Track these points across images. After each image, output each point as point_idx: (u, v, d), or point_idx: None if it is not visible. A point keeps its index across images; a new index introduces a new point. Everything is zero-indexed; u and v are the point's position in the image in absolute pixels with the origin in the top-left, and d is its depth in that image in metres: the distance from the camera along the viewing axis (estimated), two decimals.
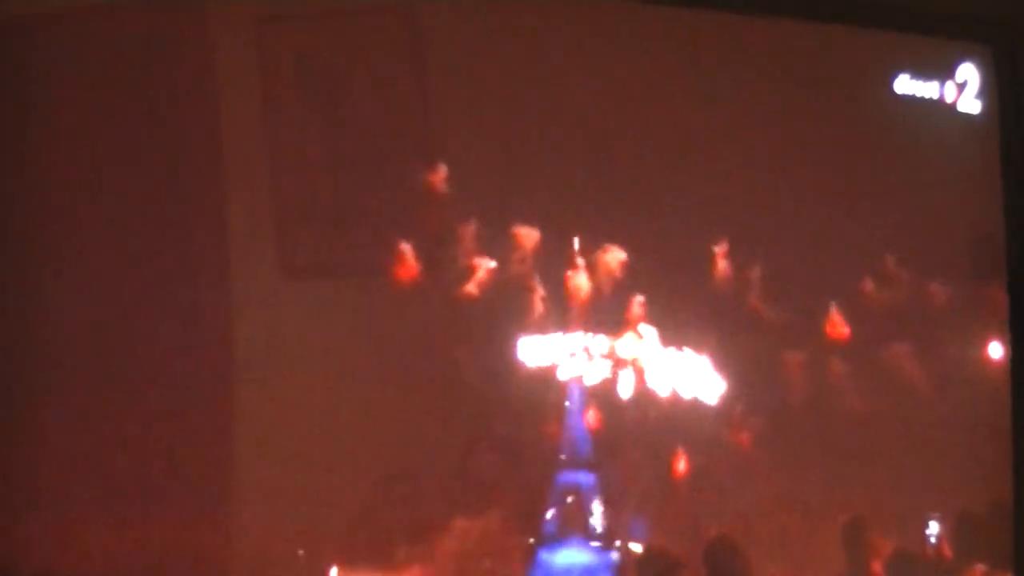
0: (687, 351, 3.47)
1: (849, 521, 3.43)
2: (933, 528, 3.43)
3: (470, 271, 3.44)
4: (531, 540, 3.40)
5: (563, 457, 3.44)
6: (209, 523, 3.34)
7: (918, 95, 3.52)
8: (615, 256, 3.47)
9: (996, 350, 3.43)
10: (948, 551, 3.42)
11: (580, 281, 3.47)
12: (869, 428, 3.44)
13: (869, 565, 3.40)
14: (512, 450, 3.45)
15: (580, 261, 3.48)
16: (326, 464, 3.37)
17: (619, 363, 3.46)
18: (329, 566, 3.37)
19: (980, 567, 3.35)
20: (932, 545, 3.42)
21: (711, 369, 3.47)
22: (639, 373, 3.47)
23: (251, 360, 3.38)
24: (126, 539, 3.29)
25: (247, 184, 3.41)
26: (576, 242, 3.47)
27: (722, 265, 3.52)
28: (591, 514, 3.42)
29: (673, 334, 3.47)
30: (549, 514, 3.43)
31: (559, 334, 3.46)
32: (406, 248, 3.43)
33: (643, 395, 3.47)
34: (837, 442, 3.45)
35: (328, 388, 3.39)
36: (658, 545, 3.43)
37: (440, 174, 3.41)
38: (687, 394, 3.47)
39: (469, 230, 3.42)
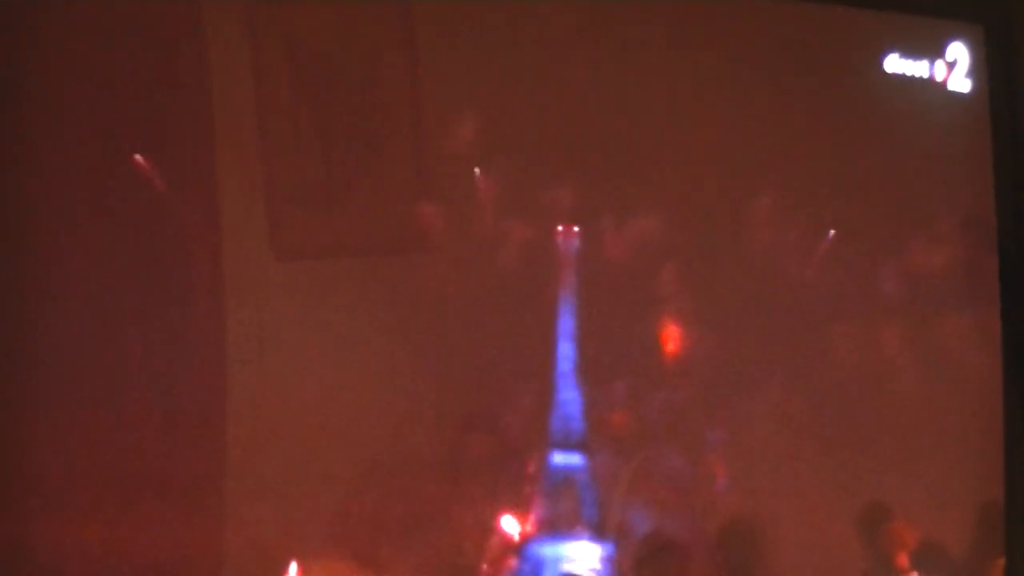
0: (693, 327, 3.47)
1: (871, 510, 3.44)
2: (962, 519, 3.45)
3: (466, 252, 3.42)
4: (522, 529, 3.40)
5: (556, 438, 3.43)
6: (200, 511, 3.32)
7: (908, 74, 3.52)
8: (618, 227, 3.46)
9: (987, 331, 3.46)
10: (977, 543, 3.44)
11: (583, 248, 3.45)
12: (879, 413, 3.47)
13: (894, 557, 3.42)
14: (508, 434, 3.44)
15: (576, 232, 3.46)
16: (317, 451, 3.36)
17: (630, 334, 3.44)
18: (320, 556, 3.36)
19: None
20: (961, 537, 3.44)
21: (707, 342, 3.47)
22: (654, 345, 3.46)
23: (243, 343, 3.35)
24: (111, 529, 3.26)
25: (238, 166, 3.37)
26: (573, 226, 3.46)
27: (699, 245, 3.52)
28: (586, 501, 3.42)
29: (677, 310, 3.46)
30: (541, 501, 3.42)
31: (558, 310, 3.45)
32: (400, 230, 3.40)
33: (659, 370, 3.46)
34: (859, 427, 3.46)
35: (321, 373, 3.37)
36: (653, 528, 3.43)
37: (434, 155, 3.39)
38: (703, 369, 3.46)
39: (464, 211, 3.40)
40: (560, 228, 3.42)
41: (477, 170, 3.39)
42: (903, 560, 3.41)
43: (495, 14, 3.39)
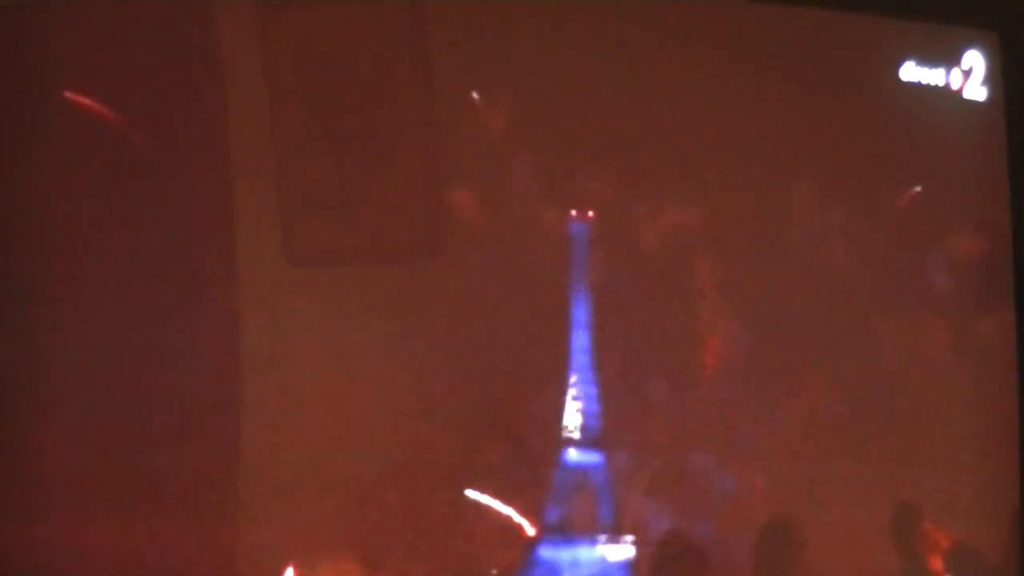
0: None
1: (904, 512, 3.42)
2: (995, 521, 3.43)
3: (481, 256, 3.42)
4: (535, 533, 3.37)
5: (569, 435, 3.40)
6: (212, 515, 3.30)
7: (924, 82, 3.54)
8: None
9: (1005, 334, 3.47)
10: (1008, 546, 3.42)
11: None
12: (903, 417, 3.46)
13: (927, 559, 3.39)
14: (527, 436, 3.42)
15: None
16: (330, 456, 3.34)
17: (654, 331, 3.43)
18: (333, 561, 3.34)
19: None
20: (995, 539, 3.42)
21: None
22: (680, 343, 3.45)
23: (256, 349, 3.34)
24: (123, 534, 3.24)
25: (250, 171, 3.36)
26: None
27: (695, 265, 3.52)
28: (605, 503, 3.39)
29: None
30: (554, 503, 3.40)
31: (578, 310, 3.44)
32: (414, 235, 3.40)
33: (684, 368, 3.45)
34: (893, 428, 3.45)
35: (334, 377, 3.35)
36: (673, 530, 3.41)
37: (446, 158, 3.38)
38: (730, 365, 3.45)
39: (477, 212, 3.39)
40: (575, 216, 3.42)
41: (490, 172, 3.39)
42: (936, 563, 3.40)
43: (511, 14, 3.40)
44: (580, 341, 3.41)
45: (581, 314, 3.42)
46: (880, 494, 3.45)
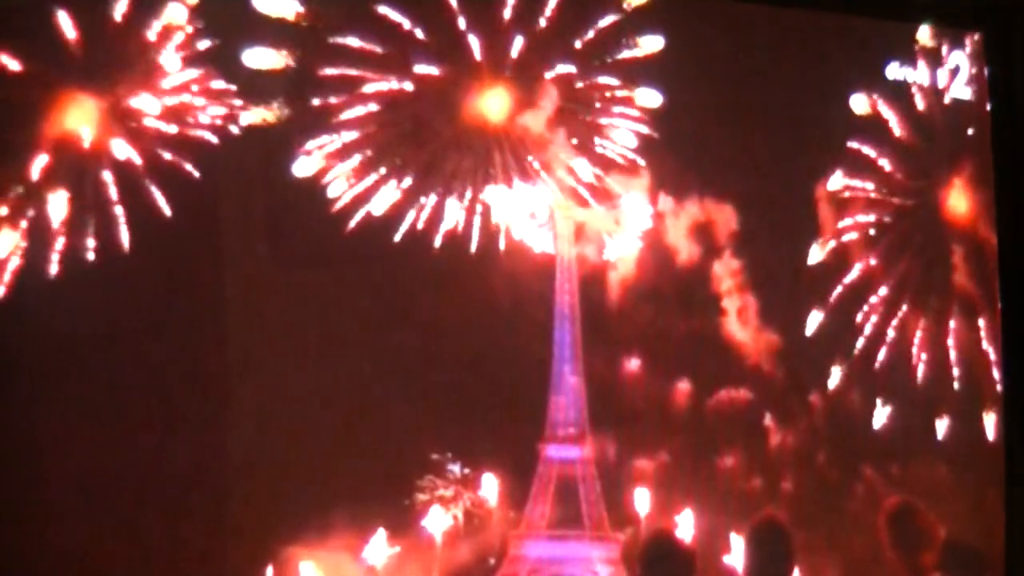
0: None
1: (897, 506, 3.42)
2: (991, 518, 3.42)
3: (467, 255, 3.46)
4: (519, 528, 3.40)
5: (555, 430, 3.43)
6: (201, 513, 3.35)
7: (910, 81, 3.58)
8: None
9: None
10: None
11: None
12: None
13: (919, 554, 3.39)
14: (510, 433, 3.45)
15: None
16: (316, 454, 3.39)
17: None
18: (318, 558, 3.39)
19: None
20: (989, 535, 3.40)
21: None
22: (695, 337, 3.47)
23: (244, 351, 3.39)
24: (121, 532, 3.29)
25: (238, 179, 3.42)
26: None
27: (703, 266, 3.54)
28: (587, 497, 3.41)
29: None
30: (537, 498, 3.42)
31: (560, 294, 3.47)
32: (399, 235, 3.44)
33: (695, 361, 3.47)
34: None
35: (320, 379, 3.40)
36: (662, 529, 3.42)
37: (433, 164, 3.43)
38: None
39: (466, 213, 3.43)
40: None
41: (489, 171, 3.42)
42: (929, 559, 3.40)
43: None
44: (569, 339, 3.45)
45: (573, 312, 3.45)
46: (880, 494, 3.45)
